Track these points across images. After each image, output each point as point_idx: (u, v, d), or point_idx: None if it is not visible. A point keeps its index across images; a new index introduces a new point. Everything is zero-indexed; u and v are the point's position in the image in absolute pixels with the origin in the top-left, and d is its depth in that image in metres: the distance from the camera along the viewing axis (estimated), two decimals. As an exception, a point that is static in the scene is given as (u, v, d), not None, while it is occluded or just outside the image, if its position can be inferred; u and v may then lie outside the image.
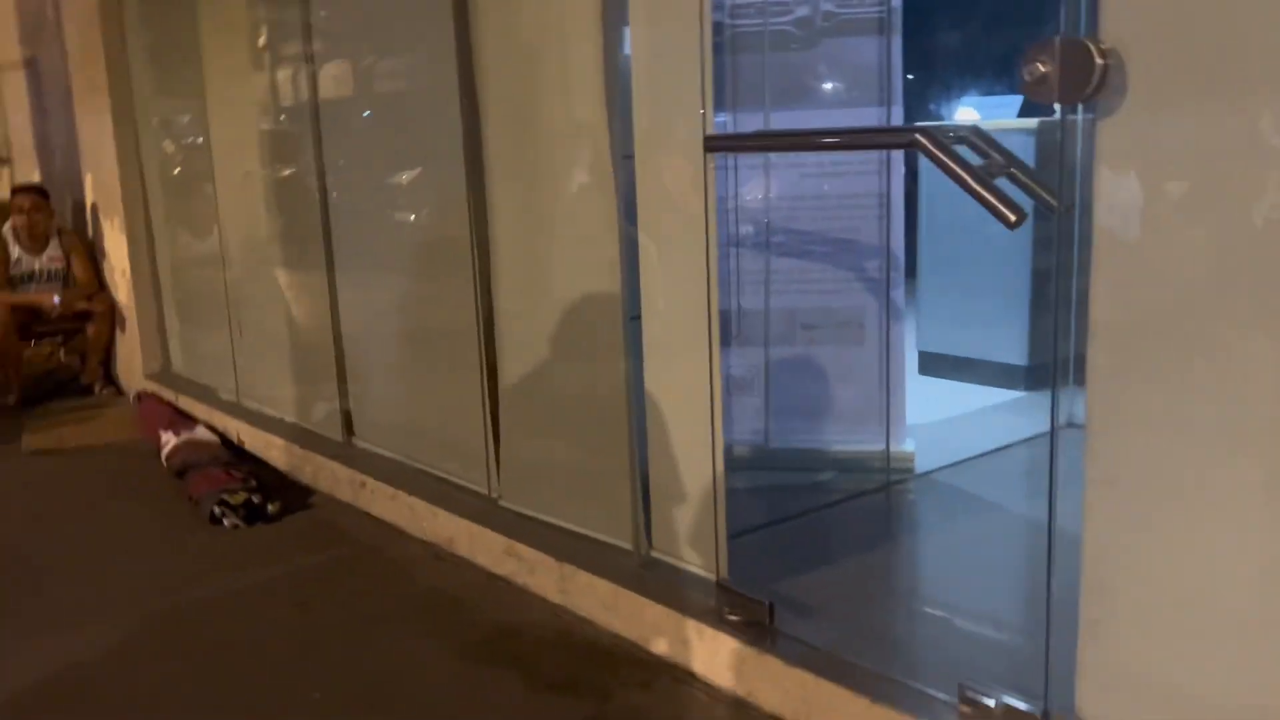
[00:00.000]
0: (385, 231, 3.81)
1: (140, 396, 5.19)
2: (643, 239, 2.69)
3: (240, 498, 3.70)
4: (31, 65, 6.11)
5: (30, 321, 5.41)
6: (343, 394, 4.10)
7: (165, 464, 4.28)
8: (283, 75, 4.24)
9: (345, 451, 4.02)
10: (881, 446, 3.52)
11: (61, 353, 6.24)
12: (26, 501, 4.07)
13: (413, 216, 3.74)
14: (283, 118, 4.28)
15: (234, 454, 4.32)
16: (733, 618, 2.48)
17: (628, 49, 2.72)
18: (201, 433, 4.46)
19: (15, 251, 5.43)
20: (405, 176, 3.72)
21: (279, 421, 4.47)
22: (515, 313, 3.19)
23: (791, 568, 2.82)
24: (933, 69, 3.83)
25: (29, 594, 3.20)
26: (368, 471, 3.78)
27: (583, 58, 2.80)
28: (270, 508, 3.73)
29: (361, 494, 3.77)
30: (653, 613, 2.63)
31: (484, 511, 3.30)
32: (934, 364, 4.68)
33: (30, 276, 5.47)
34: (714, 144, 2.40)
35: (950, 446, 3.71)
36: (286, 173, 4.30)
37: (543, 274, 3.09)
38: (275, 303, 4.50)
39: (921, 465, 3.53)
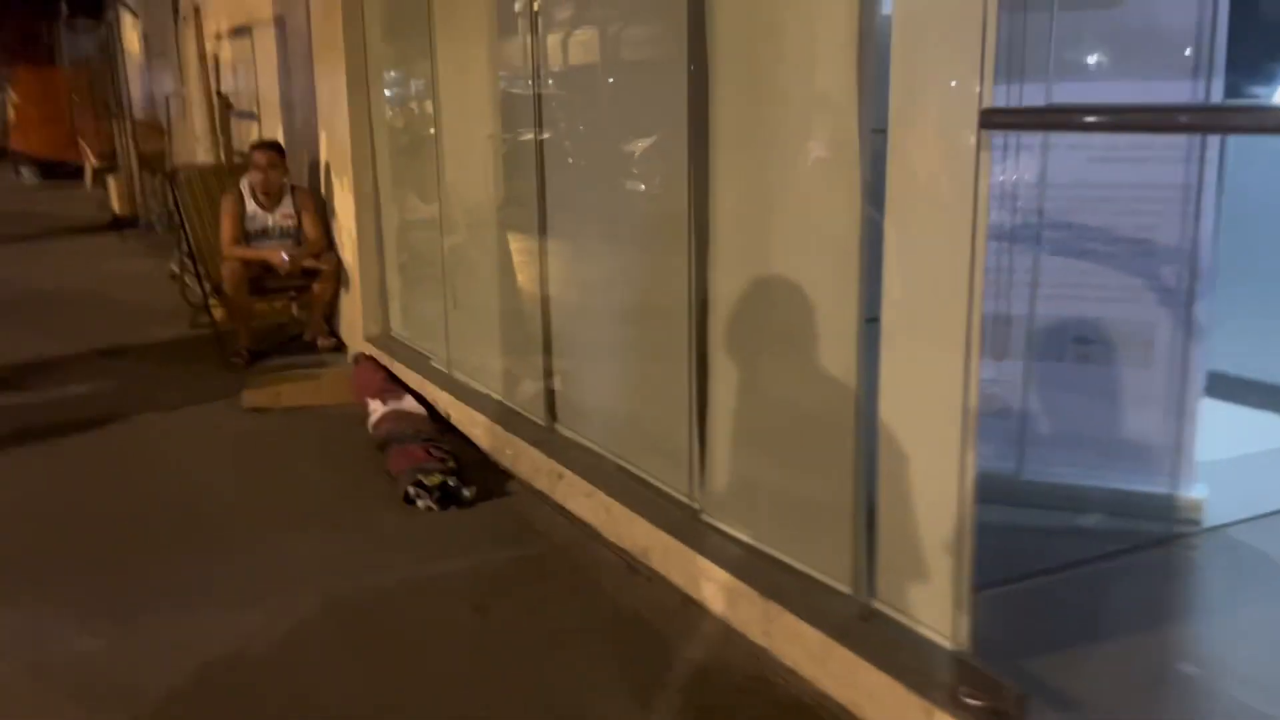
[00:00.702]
0: (599, 202, 3.53)
1: (358, 359, 5.18)
2: (890, 228, 2.25)
3: (436, 479, 3.53)
4: (280, 23, 6.22)
5: (261, 277, 5.51)
6: (548, 374, 3.87)
7: (371, 433, 4.19)
8: (507, 41, 4.02)
9: (546, 438, 3.79)
10: (1164, 489, 2.93)
11: (294, 308, 6.39)
12: (232, 462, 4.07)
13: (629, 187, 3.43)
14: (505, 84, 4.07)
15: (438, 429, 4.18)
16: (972, 702, 2.03)
17: (886, 8, 2.26)
18: (409, 403, 4.35)
19: (251, 207, 5.54)
20: (623, 145, 3.41)
21: (485, 398, 4.30)
22: (731, 301, 2.81)
23: (1047, 638, 2.33)
24: (1265, 33, 3.14)
25: (215, 562, 3.14)
26: (566, 462, 3.52)
27: (831, 18, 2.37)
28: (466, 493, 3.54)
29: (559, 486, 3.52)
30: (870, 678, 2.21)
31: (684, 524, 2.96)
32: (1226, 387, 3.95)
33: (263, 232, 5.57)
34: (995, 119, 1.92)
35: (1249, 494, 3.05)
36: (506, 140, 4.09)
37: (766, 259, 2.70)
38: (488, 272, 4.32)
39: (1213, 516, 2.91)
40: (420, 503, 3.49)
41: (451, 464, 3.68)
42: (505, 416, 4.05)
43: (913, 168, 2.19)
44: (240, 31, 7.23)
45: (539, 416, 3.90)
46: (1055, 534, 2.87)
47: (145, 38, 11.65)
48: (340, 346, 5.69)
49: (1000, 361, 3.03)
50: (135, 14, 11.74)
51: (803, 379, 2.62)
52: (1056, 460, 3.04)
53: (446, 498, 3.52)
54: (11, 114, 19.01)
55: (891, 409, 2.30)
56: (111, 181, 11.83)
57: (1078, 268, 2.97)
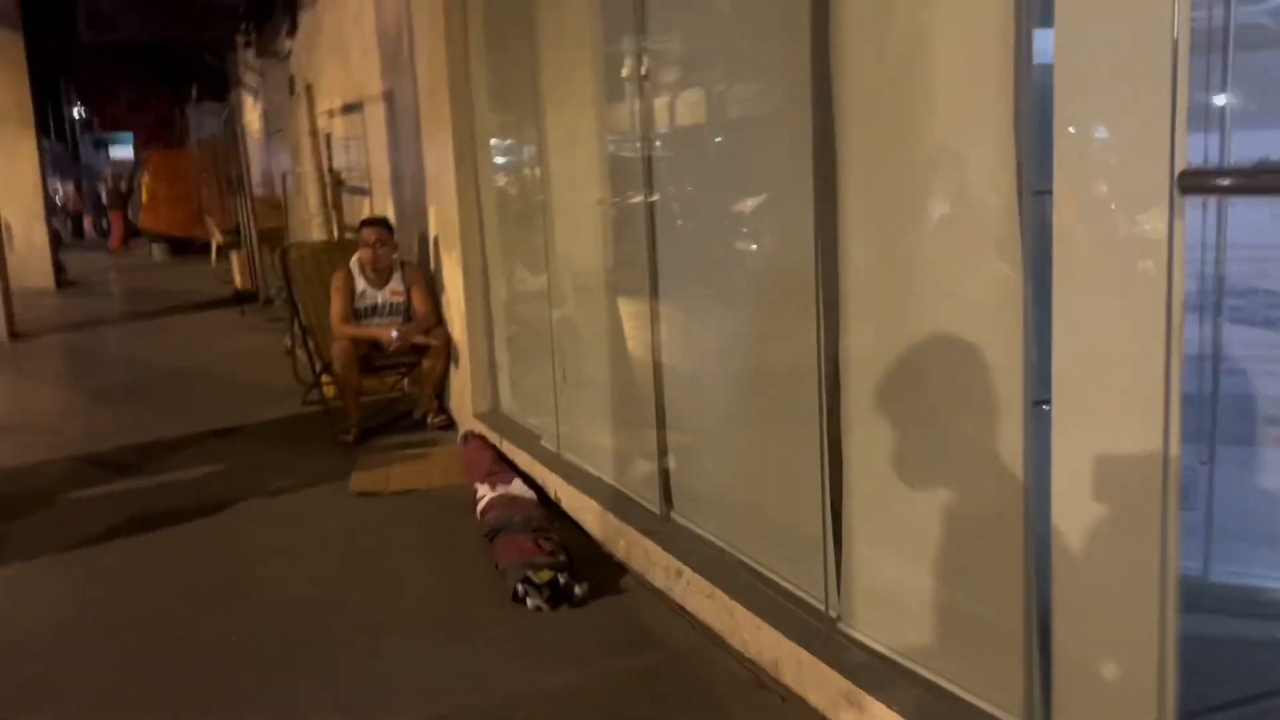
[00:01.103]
0: (714, 265, 3.29)
1: (467, 438, 5.03)
2: (1061, 302, 1.94)
3: (546, 575, 3.30)
4: (389, 98, 6.24)
5: (370, 354, 5.44)
6: (662, 454, 3.62)
7: (479, 519, 4.00)
8: (614, 106, 3.85)
9: (662, 528, 3.53)
10: (1388, 598, 2.50)
11: (405, 383, 6.32)
12: (338, 554, 3.92)
13: (746, 248, 3.20)
14: (613, 148, 3.89)
15: (548, 515, 3.96)
16: None
17: (1043, 56, 1.98)
18: (518, 488, 4.15)
19: (360, 284, 5.49)
20: (739, 205, 3.18)
21: (596, 481, 4.07)
22: (869, 375, 2.53)
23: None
24: None
25: (313, 669, 2.95)
26: (684, 557, 3.25)
27: (980, 64, 2.10)
28: (577, 590, 3.30)
29: (677, 585, 3.24)
30: (1056, 839, 1.87)
31: (819, 635, 2.65)
32: None
33: (373, 310, 5.50)
34: (1195, 182, 1.61)
35: None
36: (616, 205, 3.91)
37: (909, 329, 2.41)
38: (598, 343, 4.13)
39: None
40: (530, 601, 3.26)
41: (562, 558, 3.44)
42: (617, 502, 3.81)
43: (1088, 235, 1.88)
44: (352, 107, 7.31)
45: (653, 503, 3.65)
46: (1260, 647, 2.47)
47: (265, 116, 12.04)
48: (450, 424, 5.55)
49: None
50: (255, 94, 12.15)
51: (958, 468, 2.31)
52: (1250, 560, 2.64)
53: (557, 596, 3.28)
54: (144, 194, 19.96)
55: (1067, 507, 1.98)
56: (234, 257, 12.18)
57: (1267, 339, 2.59)
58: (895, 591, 2.54)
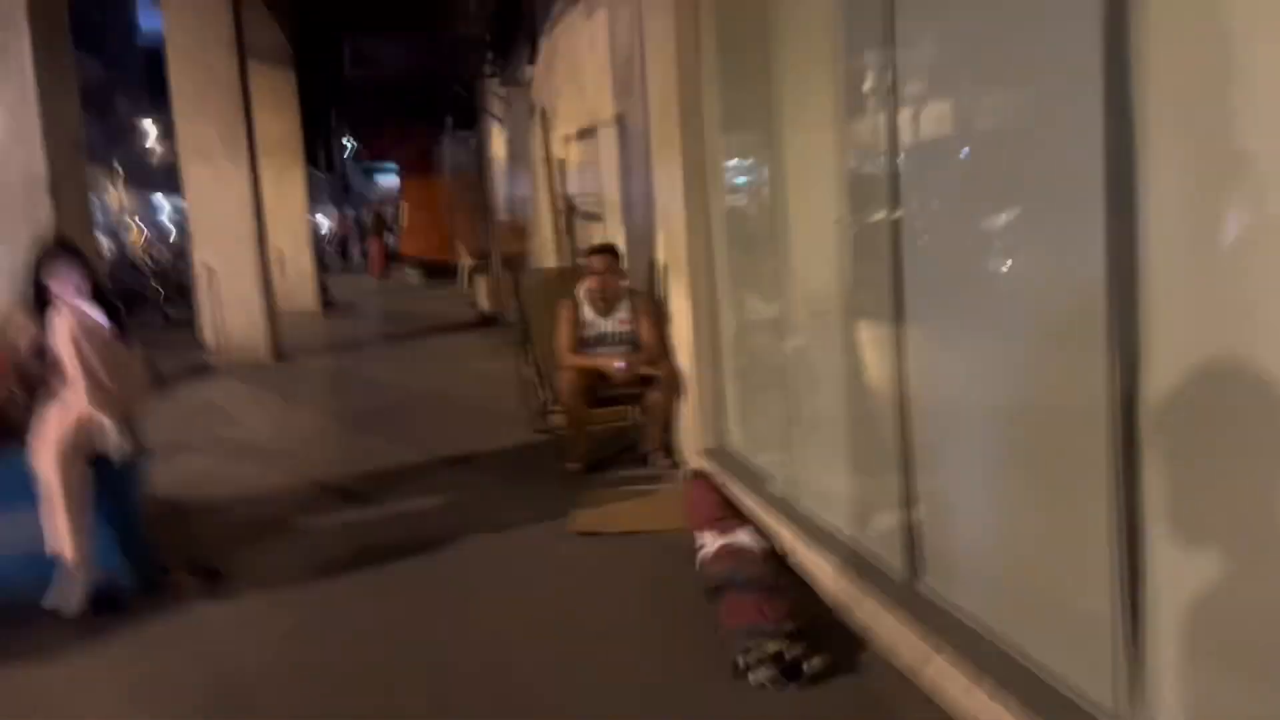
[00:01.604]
0: (972, 287, 2.83)
1: (691, 477, 4.74)
2: None
3: (774, 648, 2.94)
4: (621, 123, 6.10)
5: (597, 385, 5.26)
6: (908, 508, 3.18)
7: (701, 571, 3.69)
8: (858, 120, 3.46)
9: (908, 597, 3.09)
10: None
11: (637, 411, 6.12)
12: (552, 602, 3.70)
13: (1014, 268, 2.72)
14: (856, 165, 3.50)
15: (778, 572, 3.60)
16: None
17: None
18: (745, 538, 3.81)
19: (588, 313, 5.34)
20: (1004, 221, 2.72)
21: (831, 535, 3.67)
22: (1178, 421, 2.04)
23: None
24: None
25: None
26: (937, 637, 2.81)
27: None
28: (808, 667, 2.92)
29: (927, 670, 2.80)
30: None
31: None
32: None
33: (600, 339, 5.34)
34: None
35: None
36: (856, 226, 3.51)
37: (1234, 366, 1.90)
38: (835, 377, 3.74)
39: None
40: (754, 676, 2.91)
41: (793, 626, 3.07)
42: (857, 563, 3.40)
43: None
44: (586, 133, 7.25)
45: (898, 567, 3.22)
46: None
47: (509, 143, 12.35)
48: (675, 464, 5.29)
49: None
50: (501, 122, 12.48)
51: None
52: None
53: (786, 671, 2.91)
54: (403, 221, 21.18)
55: None
56: (480, 281, 12.57)
57: None
58: (1216, 706, 2.01)
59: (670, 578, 3.79)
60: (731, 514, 4.14)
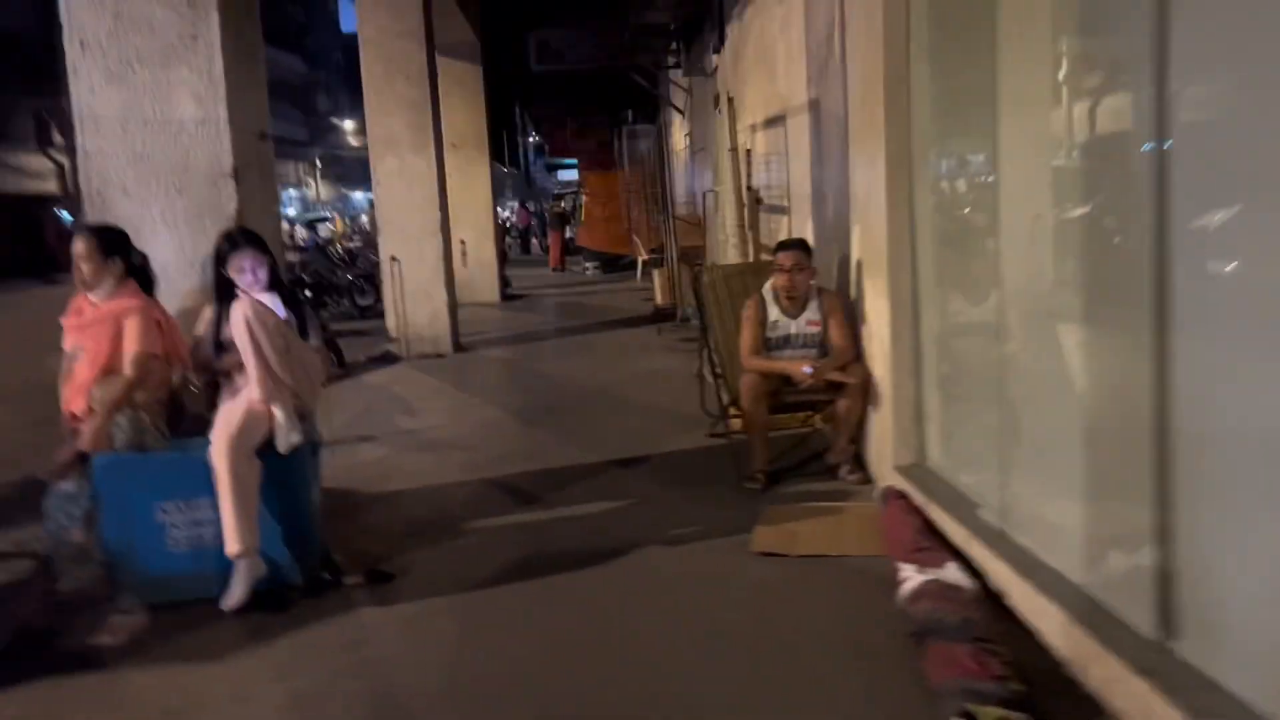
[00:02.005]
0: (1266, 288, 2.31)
1: (887, 496, 4.30)
2: None
3: (994, 715, 2.51)
4: (814, 109, 5.69)
5: (780, 390, 4.89)
6: (1162, 548, 2.67)
7: (901, 607, 3.28)
8: (1110, 102, 2.96)
9: (1158, 661, 2.59)
10: None
11: (817, 419, 5.72)
12: (727, 632, 3.35)
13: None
14: (1106, 153, 3.00)
15: (993, 616, 3.15)
16: None
17: None
18: (953, 574, 3.36)
19: (773, 313, 4.96)
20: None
21: (1058, 577, 3.19)
22: None
23: None
24: None
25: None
26: (1196, 715, 2.31)
27: None
28: (1033, 738, 2.48)
29: (1186, 757, 2.31)
30: None
31: None
32: None
33: (785, 341, 4.96)
34: None
35: None
36: (1095, 220, 3.02)
37: None
38: (1063, 390, 3.25)
39: None
40: (970, 743, 2.50)
41: (1016, 686, 2.63)
42: (1090, 614, 2.91)
43: None
44: (773, 121, 6.86)
45: (1146, 622, 2.72)
46: None
47: (690, 135, 12.07)
48: (867, 477, 4.85)
49: None
50: (682, 113, 12.22)
51: None
52: None
53: (1006, 741, 2.48)
54: (582, 214, 21.29)
55: None
56: (656, 275, 12.37)
57: None
58: None
59: (864, 611, 3.39)
60: (935, 544, 3.69)
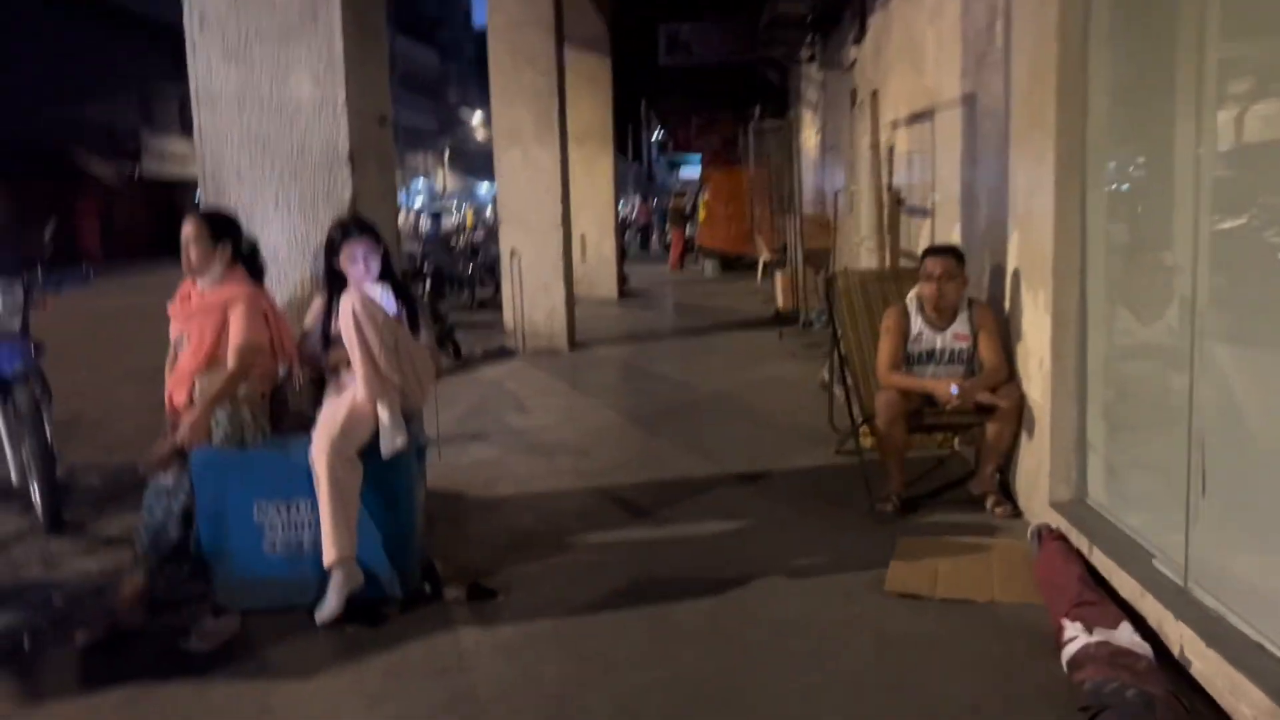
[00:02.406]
0: None
1: (1041, 535, 3.84)
2: None
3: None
4: (969, 103, 5.22)
5: (921, 410, 4.46)
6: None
7: (1067, 672, 2.85)
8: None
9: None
10: None
11: (956, 442, 5.27)
12: (854, 687, 2.97)
13: None
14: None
15: (1177, 690, 2.69)
16: None
17: None
18: (1126, 636, 2.92)
19: (917, 324, 4.54)
20: None
21: (1256, 649, 2.71)
22: None
23: None
24: None
25: None
26: None
27: None
28: None
29: None
30: None
31: None
32: None
33: (929, 356, 4.53)
34: None
35: None
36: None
37: None
38: (1273, 430, 2.77)
39: None
40: None
41: (1218, 791, 2.20)
42: (1305, 701, 2.44)
43: None
44: (919, 116, 6.39)
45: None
46: None
47: (821, 132, 11.61)
48: (1017, 511, 4.39)
49: None
50: (814, 109, 11.76)
51: None
52: None
53: None
54: (702, 212, 20.95)
55: None
56: (778, 276, 11.95)
57: None
58: None
59: (1020, 673, 2.97)
60: (1103, 598, 3.23)
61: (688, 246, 21.21)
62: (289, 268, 4.07)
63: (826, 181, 11.33)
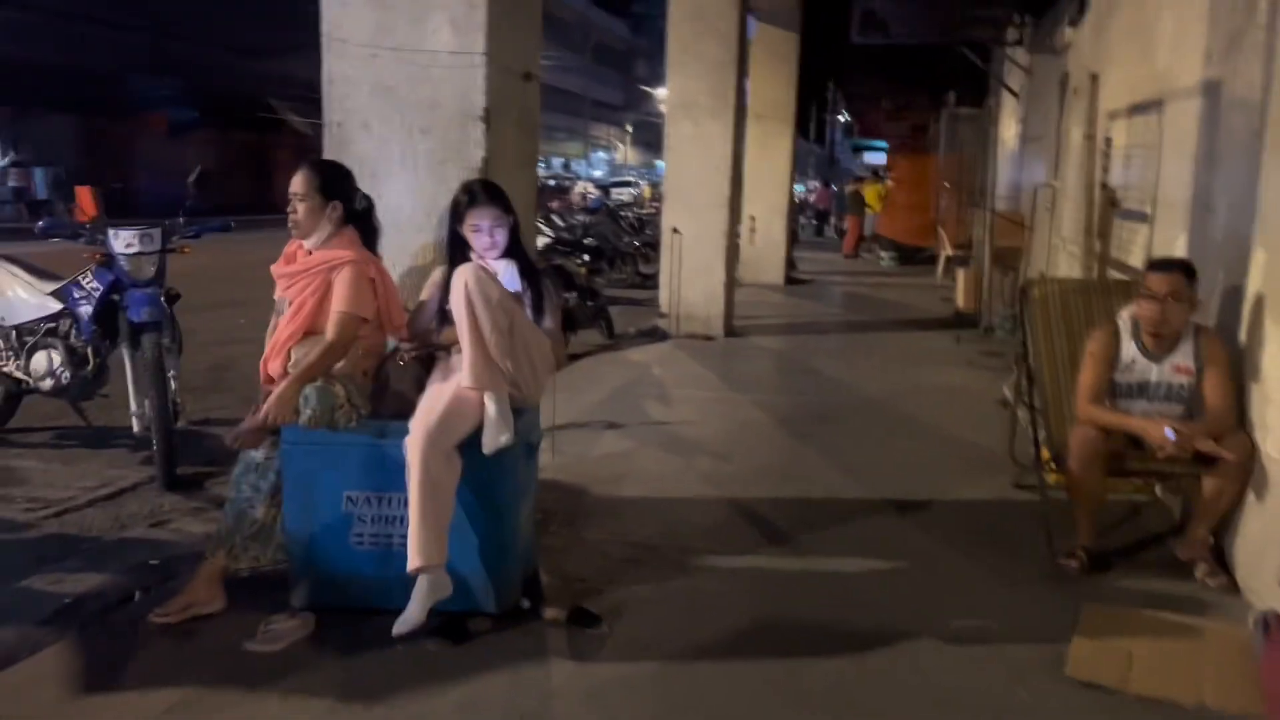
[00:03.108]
0: None
1: (1269, 625, 3.10)
2: None
3: None
4: (1211, 91, 4.39)
5: (1124, 452, 3.74)
6: None
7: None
8: None
9: None
10: None
11: (1159, 488, 4.50)
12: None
13: None
14: None
15: None
16: None
17: None
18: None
19: (1129, 350, 3.81)
20: None
21: None
22: None
23: None
24: None
25: None
26: None
27: None
28: None
29: None
30: None
31: None
32: None
33: (1140, 389, 3.79)
34: None
35: None
36: None
37: None
38: None
39: None
40: None
41: None
42: None
43: None
44: (1144, 108, 5.54)
45: None
46: None
47: (1022, 122, 10.63)
48: (1234, 585, 3.62)
49: None
50: (1016, 95, 10.79)
51: None
52: None
53: None
54: (873, 198, 20.01)
55: None
56: (960, 274, 11.10)
57: None
58: None
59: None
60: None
61: (864, 234, 20.29)
62: (411, 231, 3.71)
63: (1024, 175, 10.34)
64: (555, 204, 16.95)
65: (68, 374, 5.03)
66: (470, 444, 3.09)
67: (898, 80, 19.68)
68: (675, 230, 9.08)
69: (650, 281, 12.63)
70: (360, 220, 3.38)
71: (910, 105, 23.00)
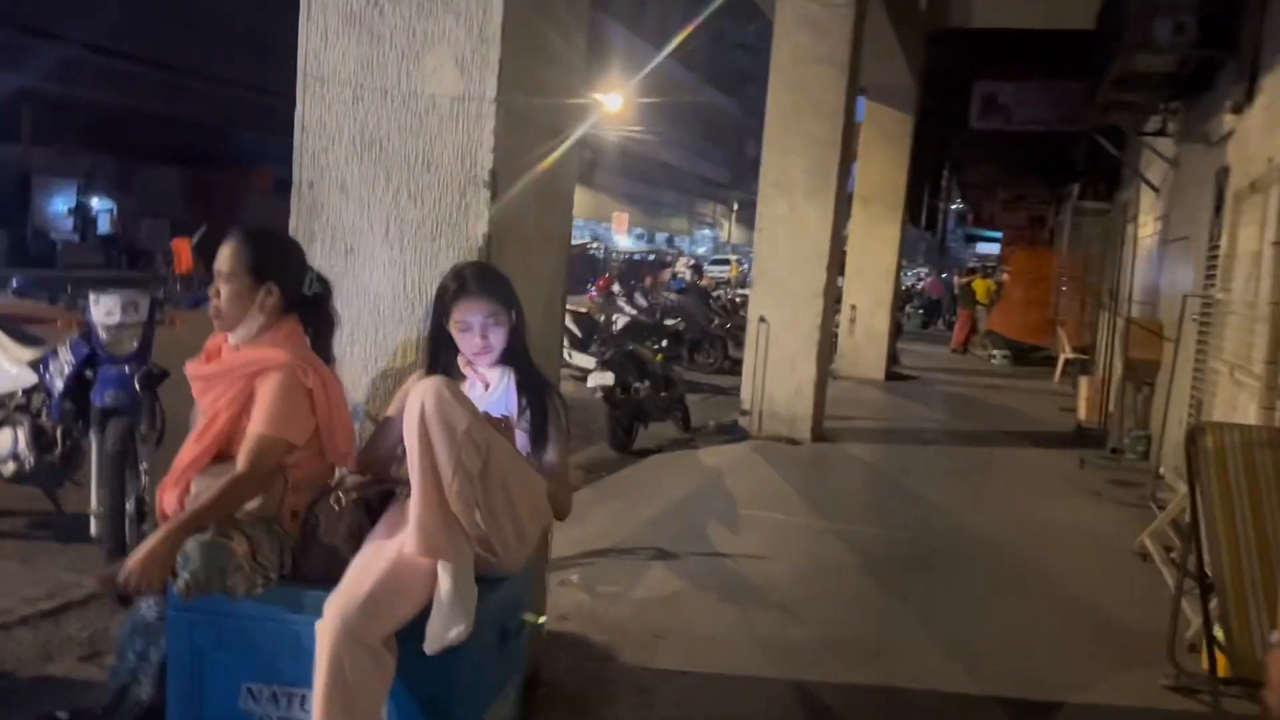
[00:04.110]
0: None
1: None
2: None
3: None
4: None
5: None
6: None
7: None
8: None
9: None
10: None
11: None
12: None
13: None
14: None
15: None
16: None
17: None
18: None
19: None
20: None
21: None
22: None
23: None
24: None
25: None
26: None
27: None
28: None
29: None
30: None
31: None
32: None
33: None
34: None
35: None
36: None
37: None
38: None
39: None
40: None
41: None
42: None
43: None
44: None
45: None
46: None
47: (1164, 219, 9.47)
48: None
49: None
50: (1156, 190, 9.65)
51: None
52: None
53: None
54: (982, 292, 18.84)
55: None
56: (1083, 381, 9.92)
57: None
58: None
59: None
60: None
61: (974, 328, 19.03)
62: (393, 323, 2.88)
63: (1163, 279, 9.16)
64: (648, 280, 16.17)
65: (31, 458, 4.34)
66: (413, 632, 2.19)
67: (1016, 167, 18.59)
68: (761, 319, 8.17)
69: (739, 368, 11.73)
70: (309, 309, 2.55)
71: (1029, 195, 21.82)
